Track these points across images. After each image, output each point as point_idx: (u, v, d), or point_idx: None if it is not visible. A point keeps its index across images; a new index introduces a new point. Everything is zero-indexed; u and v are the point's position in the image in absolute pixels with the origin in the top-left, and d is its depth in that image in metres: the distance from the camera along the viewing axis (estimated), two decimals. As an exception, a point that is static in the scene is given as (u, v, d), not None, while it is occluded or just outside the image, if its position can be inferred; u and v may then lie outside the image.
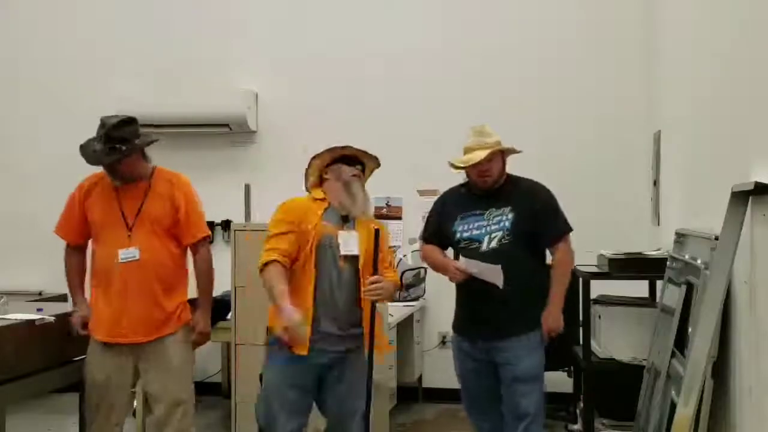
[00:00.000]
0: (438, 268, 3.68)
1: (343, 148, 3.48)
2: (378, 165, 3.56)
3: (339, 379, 3.35)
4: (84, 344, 3.56)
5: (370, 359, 3.38)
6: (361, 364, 3.39)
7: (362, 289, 3.31)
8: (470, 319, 3.59)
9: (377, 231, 3.40)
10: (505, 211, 3.51)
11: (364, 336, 3.35)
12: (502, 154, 3.54)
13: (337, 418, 3.40)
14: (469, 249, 3.52)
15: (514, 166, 3.65)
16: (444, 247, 3.70)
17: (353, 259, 3.33)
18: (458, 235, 3.57)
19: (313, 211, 3.36)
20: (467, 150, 3.54)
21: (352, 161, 3.47)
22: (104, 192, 3.56)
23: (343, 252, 3.31)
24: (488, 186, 3.55)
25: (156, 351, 3.51)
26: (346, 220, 3.39)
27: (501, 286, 3.39)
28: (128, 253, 3.47)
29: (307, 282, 3.28)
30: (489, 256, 3.45)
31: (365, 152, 3.50)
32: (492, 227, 3.50)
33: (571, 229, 3.59)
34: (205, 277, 3.67)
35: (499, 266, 3.41)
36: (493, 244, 3.47)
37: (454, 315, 3.70)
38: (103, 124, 3.46)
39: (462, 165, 3.53)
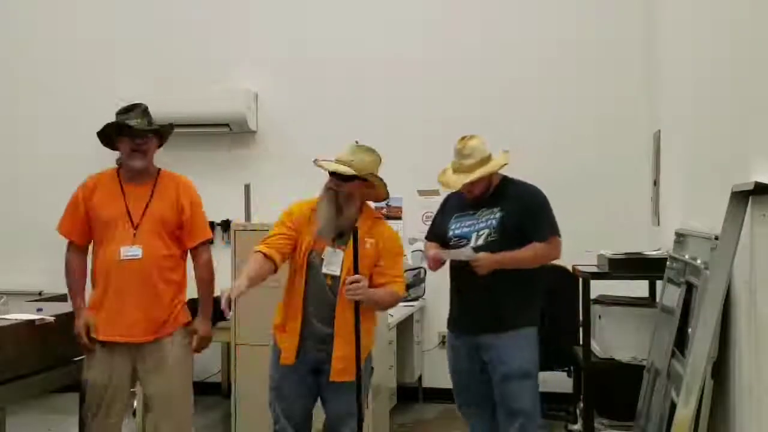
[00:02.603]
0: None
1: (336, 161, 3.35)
2: (373, 176, 3.35)
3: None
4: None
5: (357, 360, 3.34)
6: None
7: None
8: (458, 314, 3.66)
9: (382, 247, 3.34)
10: (494, 211, 3.55)
11: (339, 337, 3.28)
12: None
13: (334, 417, 3.39)
14: (458, 246, 3.56)
15: (514, 166, 3.64)
16: (445, 246, 3.69)
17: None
18: (450, 233, 3.64)
19: (308, 225, 3.35)
20: (451, 169, 3.58)
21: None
22: (110, 191, 3.57)
23: (324, 270, 3.30)
24: (475, 198, 3.59)
25: (154, 352, 3.50)
26: (340, 235, 3.31)
27: (473, 257, 3.42)
28: (131, 251, 3.47)
29: (297, 292, 3.33)
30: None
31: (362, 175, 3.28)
32: (480, 225, 3.55)
33: (556, 234, 3.55)
34: (206, 282, 3.66)
35: (465, 242, 3.49)
36: (480, 241, 3.52)
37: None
38: (138, 104, 3.61)
39: (442, 184, 3.59)
